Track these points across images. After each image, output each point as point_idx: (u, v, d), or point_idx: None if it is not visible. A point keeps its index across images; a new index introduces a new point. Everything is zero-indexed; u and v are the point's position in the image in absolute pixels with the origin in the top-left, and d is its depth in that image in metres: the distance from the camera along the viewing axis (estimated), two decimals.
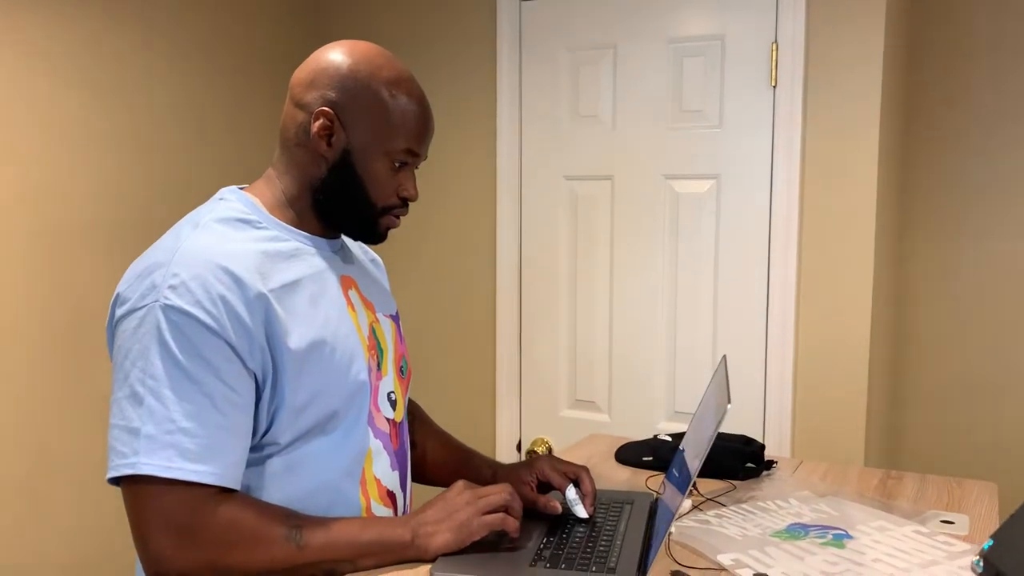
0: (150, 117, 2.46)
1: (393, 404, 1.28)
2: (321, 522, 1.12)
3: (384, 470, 1.24)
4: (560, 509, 1.30)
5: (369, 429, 1.22)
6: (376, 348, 1.25)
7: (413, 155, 1.22)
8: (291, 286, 1.15)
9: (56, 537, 2.27)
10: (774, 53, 2.26)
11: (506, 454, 2.67)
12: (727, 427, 1.57)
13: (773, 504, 1.45)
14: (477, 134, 2.67)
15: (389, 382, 1.27)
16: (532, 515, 1.29)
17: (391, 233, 1.28)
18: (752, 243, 2.33)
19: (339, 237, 1.30)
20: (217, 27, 2.64)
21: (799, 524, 1.35)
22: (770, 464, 1.64)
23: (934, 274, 2.59)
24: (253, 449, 1.13)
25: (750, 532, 1.32)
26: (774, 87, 2.27)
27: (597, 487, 1.37)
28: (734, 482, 1.56)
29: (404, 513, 1.30)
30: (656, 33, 2.41)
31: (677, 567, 1.18)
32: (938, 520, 1.38)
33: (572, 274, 2.57)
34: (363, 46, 1.22)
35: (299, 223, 1.23)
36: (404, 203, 1.25)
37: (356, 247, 1.40)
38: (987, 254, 2.53)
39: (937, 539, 1.29)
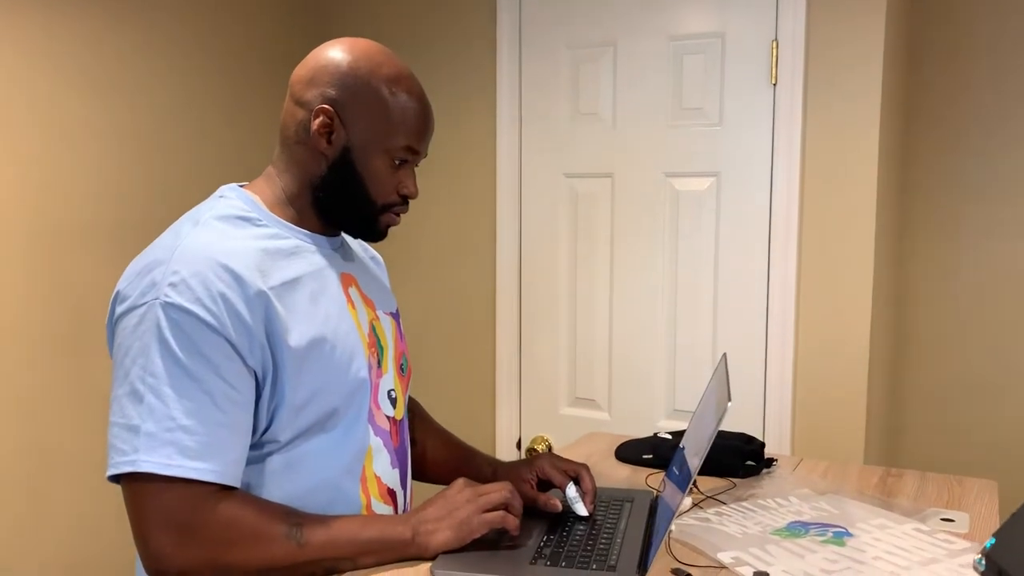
0: (150, 116, 2.45)
1: (393, 402, 1.28)
2: (321, 520, 1.12)
3: (384, 468, 1.24)
4: (560, 507, 1.30)
5: (369, 427, 1.22)
6: (376, 346, 1.25)
7: (413, 153, 1.22)
8: (291, 284, 1.15)
9: (57, 536, 2.27)
10: (774, 51, 2.26)
11: (506, 452, 2.67)
12: (727, 425, 1.57)
13: (773, 502, 1.45)
14: (477, 132, 2.67)
15: (389, 380, 1.27)
16: (532, 513, 1.29)
17: (391, 231, 1.28)
18: (752, 241, 2.33)
19: (339, 235, 1.30)
20: (217, 27, 2.64)
21: (799, 522, 1.35)
22: (770, 462, 1.64)
23: (934, 273, 2.59)
24: (253, 447, 1.13)
25: (750, 530, 1.32)
26: (774, 85, 2.27)
27: (597, 485, 1.37)
28: (734, 480, 1.56)
29: (404, 511, 1.30)
30: (656, 31, 2.41)
31: (677, 565, 1.18)
32: (938, 518, 1.38)
33: (572, 272, 2.57)
34: (363, 43, 1.21)
35: (299, 221, 1.23)
36: (404, 201, 1.25)
37: (356, 245, 1.40)
38: (987, 253, 2.53)
39: (937, 537, 1.29)
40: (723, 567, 1.18)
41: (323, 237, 1.25)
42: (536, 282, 2.62)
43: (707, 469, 1.55)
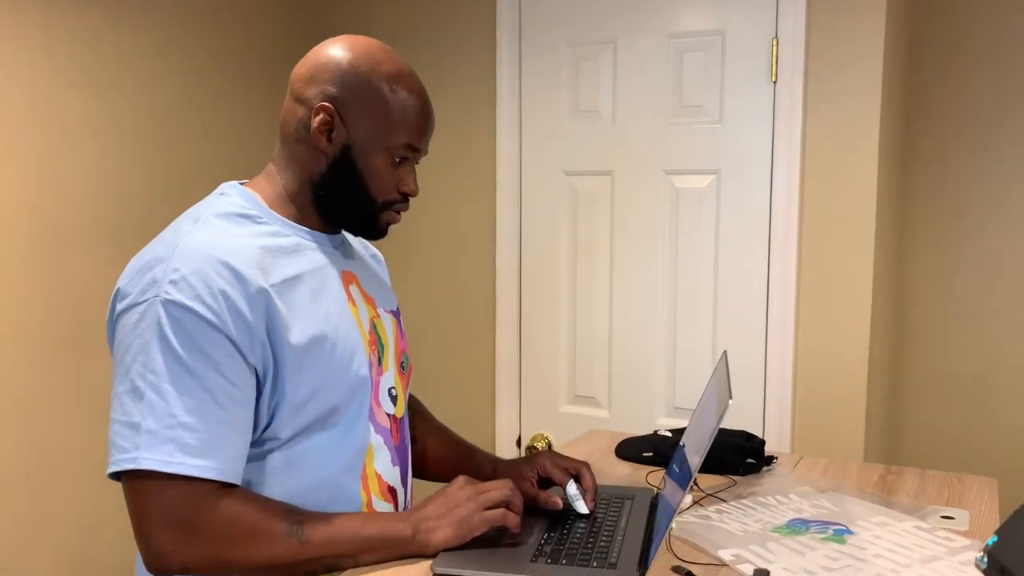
0: (150, 116, 2.45)
1: (394, 400, 1.28)
2: (322, 517, 1.12)
3: (385, 466, 1.24)
4: (561, 505, 1.30)
5: (370, 424, 1.22)
6: (377, 343, 1.25)
7: (414, 150, 1.22)
8: (292, 281, 1.15)
9: (57, 536, 2.27)
10: (774, 48, 2.26)
11: (506, 450, 2.67)
12: (727, 423, 1.57)
13: (774, 500, 1.45)
14: (477, 130, 2.67)
15: (390, 377, 1.27)
16: (533, 511, 1.29)
17: (391, 229, 1.28)
18: (752, 238, 2.33)
19: (340, 232, 1.30)
20: (217, 27, 2.64)
21: (800, 519, 1.35)
22: (770, 460, 1.64)
23: (934, 270, 2.59)
24: (254, 444, 1.13)
25: (751, 527, 1.32)
26: (774, 82, 2.27)
27: (598, 483, 1.37)
28: (734, 478, 1.56)
29: (405, 509, 1.30)
30: (656, 28, 2.41)
31: (678, 562, 1.18)
32: (938, 516, 1.38)
33: (572, 269, 2.57)
34: (363, 41, 1.21)
35: (300, 218, 1.23)
36: (404, 198, 1.25)
37: (357, 242, 1.40)
38: (987, 252, 2.53)
39: (938, 534, 1.29)
40: (724, 565, 1.18)
41: (324, 235, 1.25)
42: (536, 280, 2.62)
43: (707, 467, 1.55)
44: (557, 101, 2.55)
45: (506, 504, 1.17)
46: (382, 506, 1.23)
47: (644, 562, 1.14)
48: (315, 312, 1.16)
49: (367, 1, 2.83)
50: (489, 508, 1.16)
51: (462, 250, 2.73)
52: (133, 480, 1.05)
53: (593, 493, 1.33)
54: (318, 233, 1.24)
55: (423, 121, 1.21)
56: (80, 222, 2.29)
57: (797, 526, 1.32)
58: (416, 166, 1.26)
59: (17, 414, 2.17)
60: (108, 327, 1.15)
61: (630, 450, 1.70)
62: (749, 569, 1.16)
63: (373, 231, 1.26)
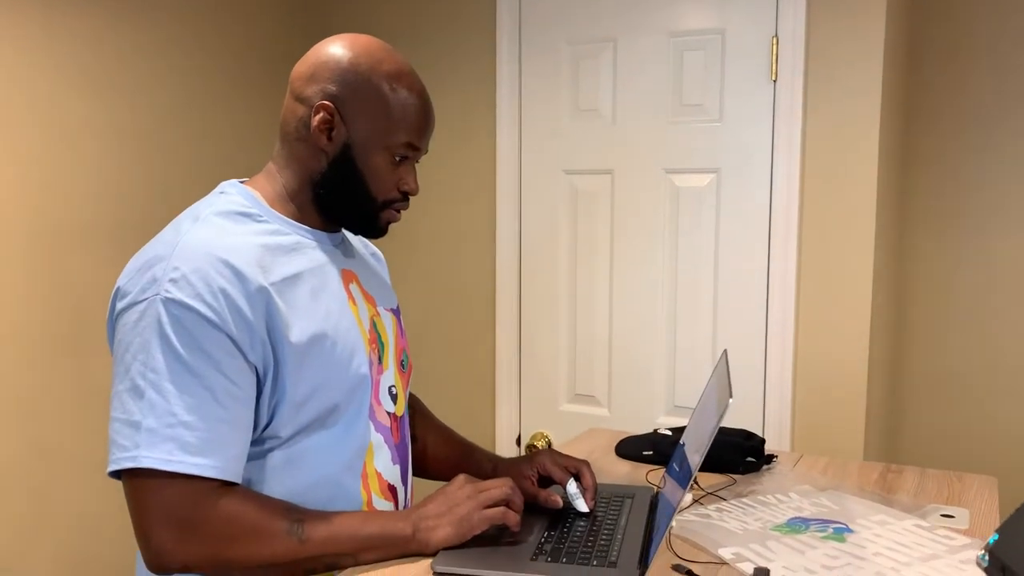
0: (150, 116, 2.45)
1: (394, 398, 1.28)
2: (322, 516, 1.12)
3: (385, 464, 1.24)
4: (561, 503, 1.30)
5: (370, 423, 1.22)
6: (377, 342, 1.25)
7: (414, 149, 1.22)
8: (292, 279, 1.15)
9: (57, 536, 2.27)
10: (774, 47, 2.26)
11: (505, 448, 2.68)
12: (726, 421, 1.57)
13: (774, 498, 1.45)
14: (477, 128, 2.67)
15: (390, 376, 1.27)
16: (533, 509, 1.29)
17: (391, 227, 1.28)
18: (752, 237, 2.33)
19: (340, 231, 1.30)
20: (217, 27, 2.64)
21: (800, 518, 1.35)
22: (770, 458, 1.64)
23: (934, 269, 2.59)
24: (254, 443, 1.13)
25: (751, 526, 1.32)
26: (774, 81, 2.27)
27: (598, 481, 1.38)
28: (734, 476, 1.56)
29: (405, 507, 1.30)
30: (656, 27, 2.41)
31: (678, 561, 1.18)
32: (938, 514, 1.38)
33: (572, 268, 2.57)
34: (364, 39, 1.21)
35: (300, 217, 1.23)
36: (405, 197, 1.25)
37: (357, 241, 1.40)
38: (987, 251, 2.53)
39: (937, 533, 1.29)
40: (724, 563, 1.18)
41: (324, 233, 1.25)
42: (536, 278, 2.62)
43: (707, 465, 1.55)
44: (557, 100, 2.55)
45: (506, 503, 1.17)
46: (382, 504, 1.23)
47: (644, 560, 1.14)
48: (315, 310, 1.16)
49: (367, 1, 2.83)
50: (489, 507, 1.16)
51: (462, 249, 2.73)
52: (133, 478, 1.05)
53: (593, 492, 1.33)
54: (318, 231, 1.24)
55: (423, 120, 1.21)
56: (80, 222, 2.29)
57: (797, 524, 1.32)
58: (416, 165, 1.25)
59: (17, 414, 2.17)
60: (108, 326, 1.15)
61: (630, 449, 1.70)
62: (749, 568, 1.16)
63: (373, 230, 1.26)
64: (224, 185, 1.23)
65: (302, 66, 1.21)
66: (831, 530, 1.30)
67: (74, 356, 2.28)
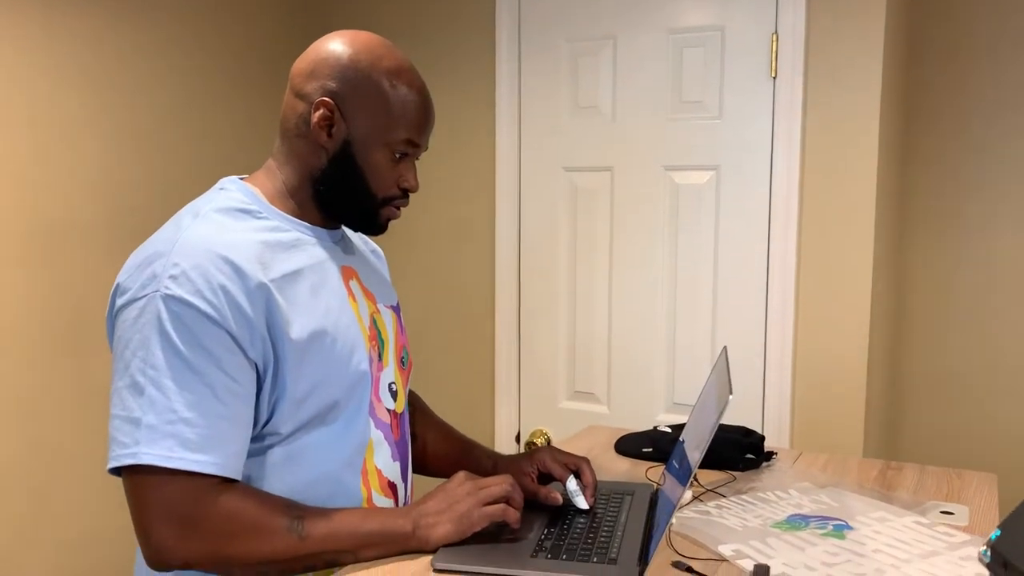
0: (150, 116, 2.45)
1: (394, 395, 1.28)
2: (322, 513, 1.12)
3: (385, 461, 1.24)
4: (561, 500, 1.30)
5: (370, 420, 1.22)
6: (377, 339, 1.25)
7: (414, 146, 1.22)
8: (292, 276, 1.15)
9: (57, 536, 2.27)
10: (774, 44, 2.26)
11: (505, 446, 2.68)
12: (726, 418, 1.57)
13: (773, 495, 1.45)
14: (476, 125, 2.67)
15: (390, 373, 1.27)
16: (533, 506, 1.29)
17: (391, 224, 1.28)
18: (752, 234, 2.33)
19: (340, 228, 1.29)
20: (217, 26, 2.63)
21: (799, 515, 1.35)
22: (770, 455, 1.64)
23: (933, 266, 2.59)
24: (254, 439, 1.13)
25: (751, 523, 1.32)
26: (774, 78, 2.27)
27: (597, 478, 1.38)
28: (734, 473, 1.56)
29: (405, 504, 1.30)
30: (656, 24, 2.40)
31: (678, 558, 1.18)
32: (938, 511, 1.38)
33: (571, 265, 2.57)
34: (364, 36, 1.21)
35: (300, 213, 1.23)
36: (404, 194, 1.25)
37: (357, 238, 1.40)
38: (987, 248, 2.53)
39: (937, 530, 1.29)
40: (724, 560, 1.18)
41: (324, 230, 1.25)
42: (535, 276, 2.62)
43: (707, 462, 1.55)
44: (557, 97, 2.55)
45: (506, 500, 1.17)
46: (382, 501, 1.23)
47: (644, 557, 1.14)
48: (315, 307, 1.16)
49: (367, 0, 2.84)
50: (489, 504, 1.16)
51: (462, 246, 2.73)
52: (133, 475, 1.05)
53: (593, 489, 1.33)
54: (318, 228, 1.24)
55: (423, 116, 1.21)
56: (80, 222, 2.28)
57: (797, 521, 1.32)
58: (416, 162, 1.25)
59: (17, 414, 2.17)
60: (108, 322, 1.15)
61: (630, 446, 1.70)
62: (749, 564, 1.16)
63: (373, 226, 1.26)
64: (224, 181, 1.22)
65: (302, 62, 1.21)
66: (831, 527, 1.30)
67: (74, 356, 2.28)
